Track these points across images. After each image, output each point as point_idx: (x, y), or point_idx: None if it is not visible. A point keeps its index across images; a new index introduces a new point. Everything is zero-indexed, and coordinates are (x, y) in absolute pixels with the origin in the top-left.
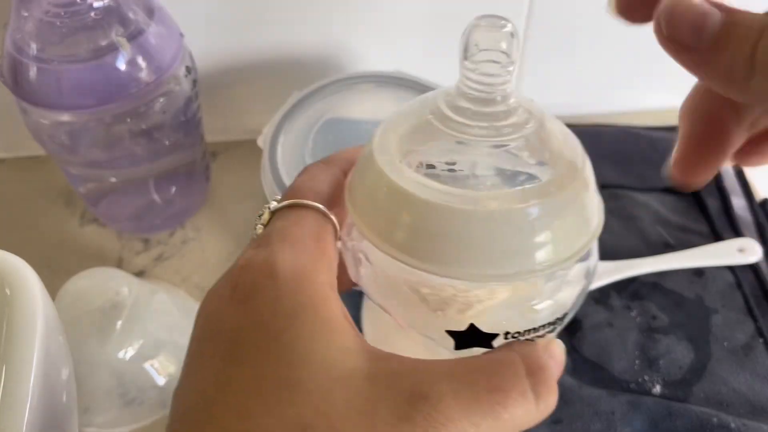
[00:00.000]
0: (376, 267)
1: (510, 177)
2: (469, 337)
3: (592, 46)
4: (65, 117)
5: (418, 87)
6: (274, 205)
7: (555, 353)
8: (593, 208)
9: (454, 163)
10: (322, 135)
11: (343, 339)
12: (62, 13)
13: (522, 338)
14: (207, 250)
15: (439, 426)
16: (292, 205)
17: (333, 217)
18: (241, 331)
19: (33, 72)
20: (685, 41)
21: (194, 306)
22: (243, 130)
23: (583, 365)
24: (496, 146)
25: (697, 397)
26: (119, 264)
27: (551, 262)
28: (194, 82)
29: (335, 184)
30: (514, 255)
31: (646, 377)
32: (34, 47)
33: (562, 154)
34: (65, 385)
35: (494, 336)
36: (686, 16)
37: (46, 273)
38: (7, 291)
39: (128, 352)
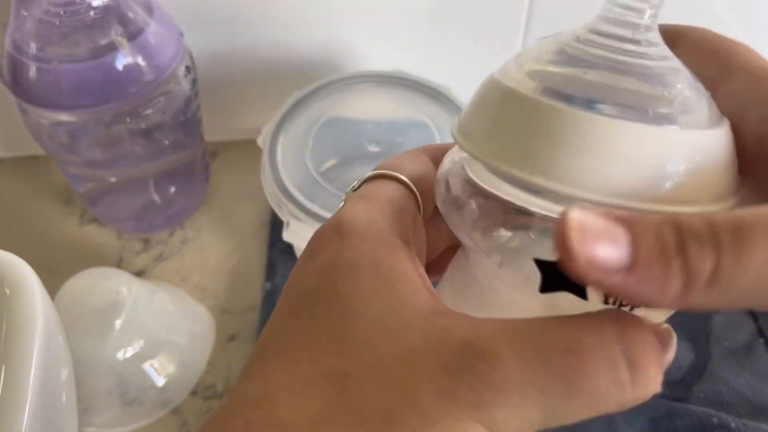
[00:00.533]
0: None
1: (641, 111)
2: (561, 274)
3: None
4: (65, 117)
5: (418, 86)
6: (355, 184)
7: (664, 334)
8: (726, 169)
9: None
10: (322, 134)
11: (404, 292)
12: (62, 13)
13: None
14: (207, 249)
15: (493, 386)
16: (374, 177)
17: (415, 190)
18: (303, 285)
19: (32, 71)
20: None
21: (194, 306)
22: (243, 130)
23: None
24: (635, 68)
25: (697, 397)
26: (119, 264)
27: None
28: (194, 81)
29: (422, 163)
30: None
31: None
32: (33, 47)
33: (702, 104)
34: (65, 385)
35: None
36: (591, 264)
37: (46, 273)
38: (7, 291)
39: (128, 352)
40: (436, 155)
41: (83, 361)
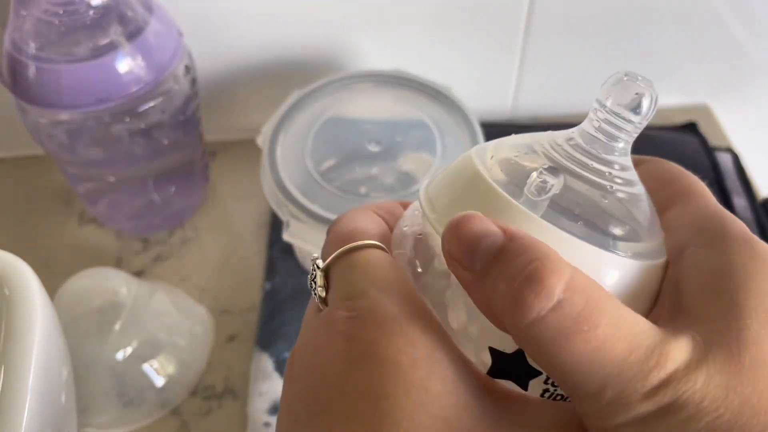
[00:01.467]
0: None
1: (587, 227)
2: (512, 363)
3: (593, 44)
4: (64, 116)
5: (418, 86)
6: (321, 262)
7: None
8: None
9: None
10: (321, 134)
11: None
12: (61, 12)
13: (560, 390)
14: (206, 250)
15: None
16: (352, 250)
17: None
18: (332, 377)
19: (32, 71)
20: (460, 260)
21: (193, 306)
22: (242, 130)
23: None
24: (599, 188)
25: None
26: (118, 264)
27: None
28: (193, 81)
29: (377, 224)
30: None
31: None
32: (32, 46)
33: (649, 234)
34: (64, 386)
35: (537, 374)
36: (466, 233)
37: (45, 273)
38: (6, 291)
39: (127, 353)
40: (378, 210)
41: (82, 361)
